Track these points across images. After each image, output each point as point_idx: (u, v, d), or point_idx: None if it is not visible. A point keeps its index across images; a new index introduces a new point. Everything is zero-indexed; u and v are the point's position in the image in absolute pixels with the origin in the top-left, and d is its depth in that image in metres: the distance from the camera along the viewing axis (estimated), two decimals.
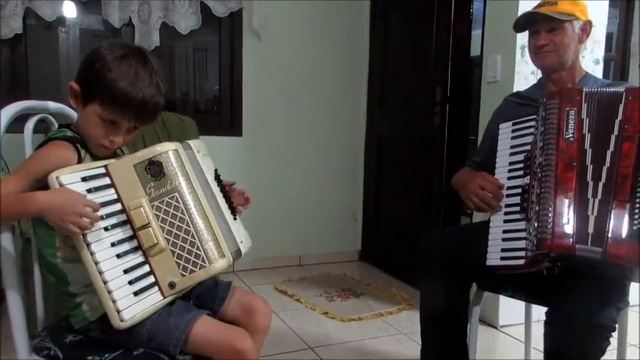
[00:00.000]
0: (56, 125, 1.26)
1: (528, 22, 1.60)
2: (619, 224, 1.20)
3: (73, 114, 1.31)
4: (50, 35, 2.85)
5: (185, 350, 1.08)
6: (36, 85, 2.84)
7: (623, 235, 1.19)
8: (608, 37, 2.70)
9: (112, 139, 1.09)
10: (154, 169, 1.05)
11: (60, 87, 2.95)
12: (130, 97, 1.05)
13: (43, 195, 0.97)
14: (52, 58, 2.89)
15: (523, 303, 1.88)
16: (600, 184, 1.26)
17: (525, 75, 2.30)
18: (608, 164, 1.26)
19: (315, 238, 3.55)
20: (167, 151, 1.07)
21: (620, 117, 1.27)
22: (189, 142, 1.18)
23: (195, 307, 1.16)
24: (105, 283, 0.98)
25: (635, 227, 1.19)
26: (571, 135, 1.31)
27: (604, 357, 1.24)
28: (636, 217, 1.19)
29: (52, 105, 1.28)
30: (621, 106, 1.28)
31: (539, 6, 1.59)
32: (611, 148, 1.27)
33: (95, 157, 1.11)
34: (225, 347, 1.09)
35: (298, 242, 3.50)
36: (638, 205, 1.20)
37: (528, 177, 1.37)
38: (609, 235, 1.20)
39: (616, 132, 1.27)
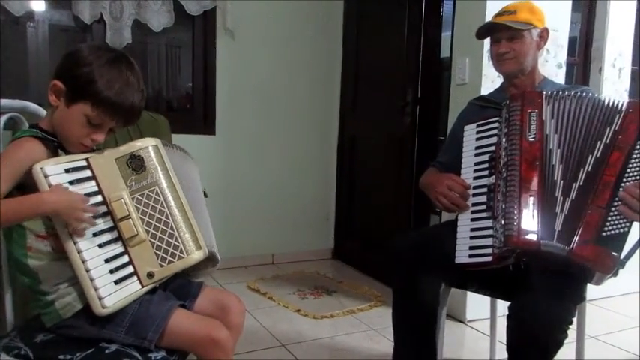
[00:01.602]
0: (26, 123, 1.25)
1: (489, 30, 1.67)
2: (590, 228, 1.25)
3: (43, 112, 1.30)
4: (18, 30, 2.79)
5: (160, 344, 1.10)
6: (3, 82, 2.79)
7: (592, 239, 1.24)
8: (572, 41, 2.80)
9: (94, 138, 1.12)
10: (135, 163, 1.09)
11: (29, 84, 2.90)
12: (122, 101, 1.09)
13: (51, 195, 1.00)
14: (20, 54, 2.84)
15: (489, 298, 1.95)
16: (575, 185, 1.31)
17: (492, 78, 2.37)
18: (589, 169, 1.31)
19: (288, 236, 3.57)
20: (147, 146, 1.12)
21: (615, 127, 1.32)
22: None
23: (176, 298, 1.19)
24: (87, 271, 1.01)
25: (604, 233, 1.24)
26: (533, 135, 1.37)
27: (564, 350, 1.29)
28: (608, 224, 1.25)
29: (21, 103, 1.27)
30: (619, 117, 1.32)
31: (499, 14, 1.65)
32: (597, 154, 1.31)
33: (68, 153, 1.12)
34: (203, 337, 1.11)
35: (271, 241, 3.51)
36: (612, 214, 1.25)
37: (494, 177, 1.42)
38: (577, 236, 1.25)
39: (607, 140, 1.31)
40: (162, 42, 3.22)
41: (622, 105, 1.34)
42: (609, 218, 1.25)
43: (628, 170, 1.27)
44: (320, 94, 3.58)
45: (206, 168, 3.12)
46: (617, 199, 1.26)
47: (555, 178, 1.33)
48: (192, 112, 3.29)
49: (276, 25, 3.35)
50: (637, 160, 1.27)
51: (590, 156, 1.32)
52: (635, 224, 1.26)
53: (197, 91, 3.27)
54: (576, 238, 1.26)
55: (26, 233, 1.06)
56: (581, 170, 1.32)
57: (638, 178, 1.26)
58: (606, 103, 1.36)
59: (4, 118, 1.21)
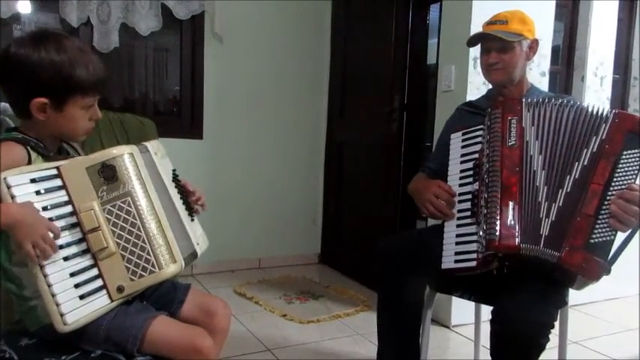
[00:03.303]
0: (11, 124, 1.24)
1: (481, 40, 1.68)
2: (579, 235, 1.28)
3: None
4: (4, 33, 2.77)
5: (143, 351, 1.09)
6: None
7: (581, 246, 1.27)
8: (555, 50, 2.84)
9: (94, 117, 1.14)
10: (107, 173, 1.04)
11: None
12: (99, 69, 1.11)
13: (17, 209, 0.96)
14: None
15: (474, 303, 1.97)
16: (562, 191, 1.33)
17: (477, 85, 2.40)
18: (577, 176, 1.33)
19: (275, 241, 3.57)
20: (122, 154, 1.06)
21: (602, 135, 1.34)
22: (147, 143, 1.18)
23: (154, 309, 1.17)
24: (49, 286, 0.97)
25: (592, 241, 1.27)
26: (514, 142, 1.39)
27: (546, 355, 1.31)
28: (596, 232, 1.27)
29: (5, 106, 1.26)
30: (605, 126, 1.35)
31: (491, 24, 1.65)
32: (584, 161, 1.34)
33: (46, 158, 1.10)
34: (186, 346, 1.10)
35: (258, 245, 3.51)
36: (600, 221, 1.28)
37: (477, 183, 1.45)
38: (567, 243, 1.28)
39: (594, 148, 1.34)
40: (150, 46, 3.21)
41: (607, 114, 1.37)
42: (597, 226, 1.28)
43: (615, 178, 1.29)
44: (308, 99, 3.59)
45: (193, 172, 3.10)
46: (604, 207, 1.28)
47: (538, 184, 1.36)
48: (179, 115, 3.28)
49: (264, 31, 3.36)
50: (623, 169, 1.30)
51: (577, 163, 1.35)
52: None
53: (184, 94, 3.27)
54: (565, 245, 1.28)
55: (11, 238, 1.04)
56: (568, 177, 1.34)
57: (624, 186, 1.28)
58: (590, 111, 1.39)
59: None
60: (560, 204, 1.33)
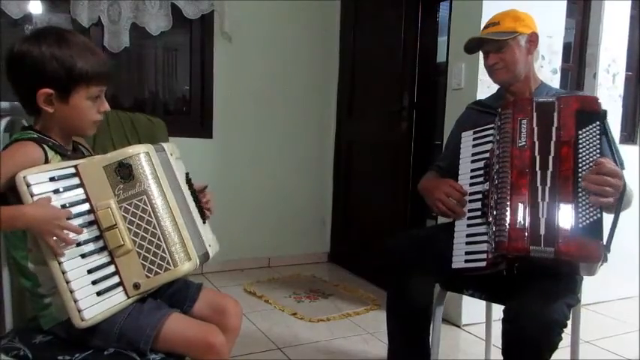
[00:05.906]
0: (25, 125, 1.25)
1: (477, 45, 1.69)
2: (566, 224, 1.29)
3: None
4: (16, 33, 2.78)
5: (156, 348, 1.09)
6: (2, 86, 2.78)
7: (571, 234, 1.28)
8: (567, 47, 2.82)
9: (102, 109, 1.14)
10: (124, 172, 1.06)
11: None
12: (102, 62, 1.12)
13: (30, 209, 0.98)
14: None
15: (484, 302, 1.96)
16: (547, 188, 1.35)
17: (488, 83, 2.36)
18: (551, 168, 1.35)
19: (285, 239, 3.58)
20: (138, 153, 1.08)
21: (555, 124, 1.37)
22: (163, 144, 1.19)
23: (167, 306, 1.18)
24: (67, 282, 0.99)
25: (580, 225, 1.28)
26: (524, 143, 1.40)
27: (559, 354, 1.31)
28: (581, 215, 1.28)
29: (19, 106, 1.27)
30: (555, 114, 1.38)
31: (485, 27, 1.67)
32: (552, 153, 1.36)
33: (64, 157, 1.11)
34: (199, 342, 1.11)
35: (268, 244, 3.52)
36: (581, 204, 1.29)
37: (487, 183, 1.45)
38: (559, 235, 1.28)
39: (554, 138, 1.37)
40: (160, 45, 3.23)
41: (554, 102, 1.39)
42: (579, 210, 1.29)
43: (580, 159, 1.32)
44: (317, 97, 3.59)
45: (203, 171, 3.12)
46: (579, 190, 1.30)
47: (538, 184, 1.37)
48: (189, 115, 3.30)
49: (274, 29, 3.37)
50: (585, 149, 1.33)
51: (550, 156, 1.37)
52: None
53: (194, 94, 3.28)
54: (558, 238, 1.29)
55: (27, 235, 1.06)
56: (548, 172, 1.36)
57: (592, 164, 1.31)
58: (549, 103, 1.41)
59: (4, 121, 1.22)
60: (548, 200, 1.34)
